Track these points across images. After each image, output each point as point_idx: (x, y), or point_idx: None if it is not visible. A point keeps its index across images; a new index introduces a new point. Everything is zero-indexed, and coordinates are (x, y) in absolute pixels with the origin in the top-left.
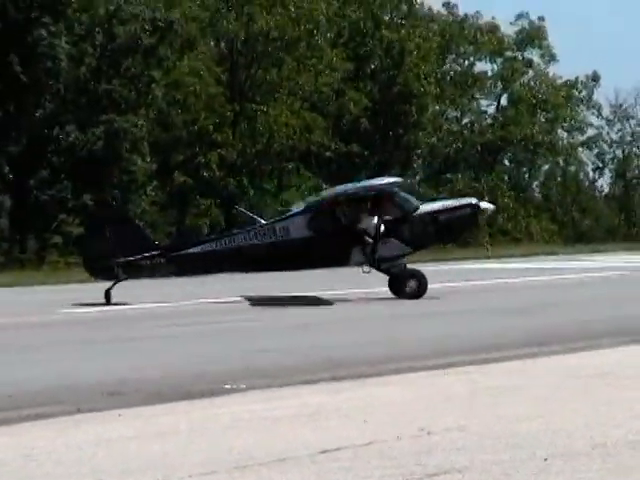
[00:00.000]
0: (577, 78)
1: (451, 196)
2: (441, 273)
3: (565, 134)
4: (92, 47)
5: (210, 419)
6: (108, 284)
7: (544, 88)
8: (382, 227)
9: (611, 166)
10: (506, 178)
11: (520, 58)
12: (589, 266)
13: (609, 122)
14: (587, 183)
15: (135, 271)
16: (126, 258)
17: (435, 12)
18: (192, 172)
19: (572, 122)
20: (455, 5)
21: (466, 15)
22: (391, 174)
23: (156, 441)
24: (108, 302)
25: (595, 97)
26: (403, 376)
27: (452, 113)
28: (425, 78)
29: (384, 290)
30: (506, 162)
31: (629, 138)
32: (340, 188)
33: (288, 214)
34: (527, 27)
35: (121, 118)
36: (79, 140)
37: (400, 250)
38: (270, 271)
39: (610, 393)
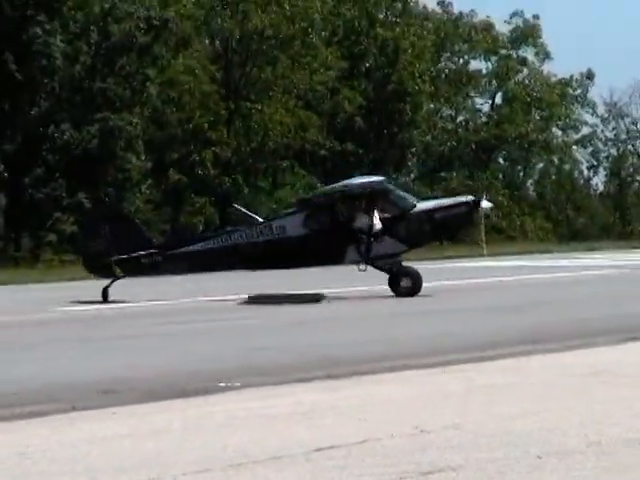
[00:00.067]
0: (572, 76)
1: (445, 194)
2: (437, 271)
3: (560, 132)
4: (87, 45)
5: (205, 417)
6: (105, 282)
7: (539, 86)
8: (378, 225)
9: (606, 164)
10: (501, 176)
11: (515, 56)
12: (584, 264)
13: (604, 120)
14: (582, 181)
15: (133, 269)
16: (123, 256)
17: (430, 10)
18: (187, 170)
19: (567, 120)
20: (450, 3)
21: (461, 13)
22: (386, 172)
23: (150, 439)
24: (105, 300)
25: (590, 95)
26: (399, 374)
27: (447, 111)
28: (420, 76)
29: (380, 288)
30: (501, 160)
31: (624, 136)
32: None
33: (284, 212)
34: (522, 25)
35: (116, 116)
36: (74, 138)
37: (395, 248)
38: (266, 269)
39: (605, 391)
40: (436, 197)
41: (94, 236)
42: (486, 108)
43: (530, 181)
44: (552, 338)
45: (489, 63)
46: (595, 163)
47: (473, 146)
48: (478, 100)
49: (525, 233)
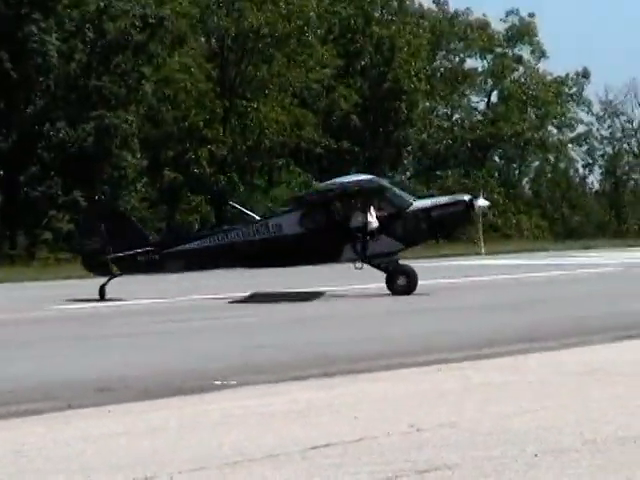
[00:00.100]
0: (567, 75)
1: (441, 192)
2: (433, 269)
3: (555, 130)
4: (82, 43)
5: (201, 415)
6: (101, 280)
7: (534, 84)
8: (375, 223)
9: (601, 162)
10: (496, 174)
11: (510, 55)
12: (580, 262)
13: (599, 119)
14: (577, 179)
15: (129, 267)
16: (120, 254)
17: (425, 9)
18: (182, 168)
19: (562, 119)
20: (445, 2)
21: (456, 12)
22: (381, 170)
23: (146, 437)
24: (102, 298)
25: (585, 94)
26: (395, 372)
27: (442, 110)
28: (415, 74)
29: (376, 286)
30: (496, 158)
31: (619, 134)
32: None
33: (281, 210)
34: (517, 24)
35: (111, 114)
36: (69, 136)
37: (392, 246)
38: (263, 267)
39: (601, 389)
40: (432, 195)
41: (91, 234)
42: (482, 106)
43: (526, 179)
44: (548, 336)
45: (485, 61)
46: (590, 161)
47: (469, 144)
48: (474, 98)
49: (521, 231)
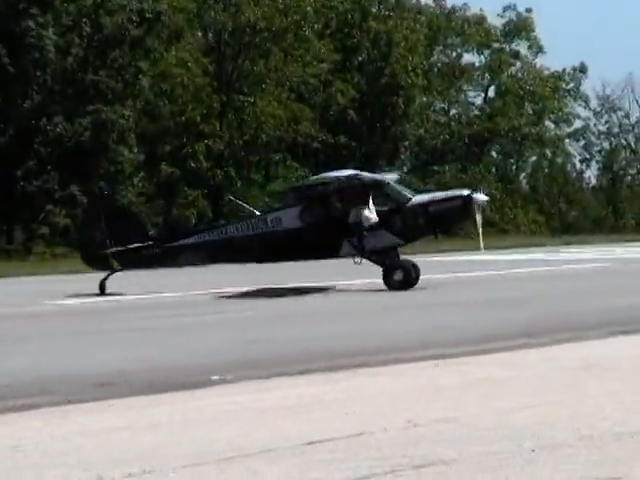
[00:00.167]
0: (564, 70)
1: (438, 188)
2: (432, 265)
3: (552, 126)
4: (79, 38)
5: (197, 411)
6: (98, 274)
7: (531, 80)
8: (374, 218)
9: (598, 158)
10: (493, 169)
11: (507, 50)
12: (577, 257)
13: (596, 114)
14: (574, 175)
15: (130, 261)
16: (121, 248)
17: (423, 4)
18: (179, 163)
19: (559, 114)
20: None
21: (453, 7)
22: (378, 165)
23: (143, 432)
24: (102, 293)
25: (582, 89)
26: (393, 367)
27: (439, 105)
28: (412, 69)
29: (376, 281)
30: (493, 153)
31: (616, 130)
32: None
33: (280, 205)
34: (514, 19)
35: (108, 109)
36: (66, 131)
37: (390, 241)
38: (262, 262)
39: (597, 385)
40: (429, 190)
41: (91, 228)
42: (479, 101)
43: (523, 174)
44: (545, 332)
45: (482, 56)
46: (588, 156)
47: (466, 139)
48: (471, 93)
49: (518, 226)
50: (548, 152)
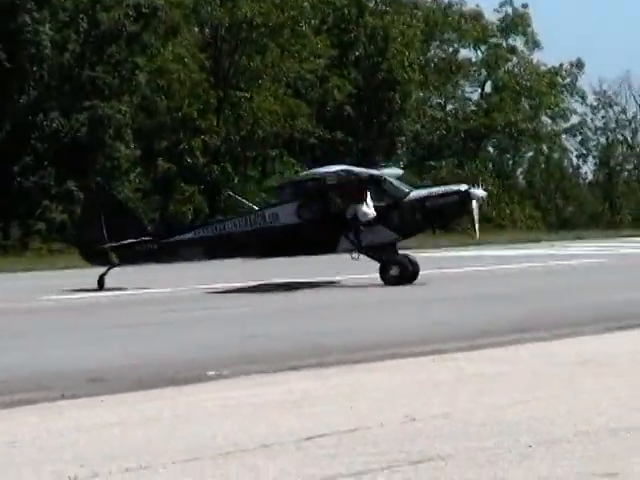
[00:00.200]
0: (561, 65)
1: (434, 183)
2: (428, 260)
3: (549, 121)
4: (76, 33)
5: (194, 405)
6: (94, 270)
7: (528, 75)
8: (372, 214)
9: (595, 153)
10: (490, 165)
11: (504, 45)
12: (573, 253)
13: (593, 109)
14: (571, 170)
15: (127, 257)
16: (119, 243)
17: None
18: (176, 159)
19: (556, 109)
20: None
21: (450, 2)
22: (375, 161)
23: (139, 428)
24: (101, 288)
25: (579, 84)
26: (389, 363)
27: (436, 100)
28: (409, 65)
29: (374, 276)
30: (490, 149)
31: (613, 125)
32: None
33: (278, 201)
34: (511, 14)
35: (105, 104)
36: (63, 126)
37: (387, 237)
38: (260, 257)
39: (593, 380)
40: (427, 186)
41: (89, 223)
42: (475, 97)
43: (519, 170)
44: (541, 327)
45: (478, 52)
46: (584, 152)
47: (462, 135)
48: (467, 89)
49: (514, 222)
50: (545, 148)
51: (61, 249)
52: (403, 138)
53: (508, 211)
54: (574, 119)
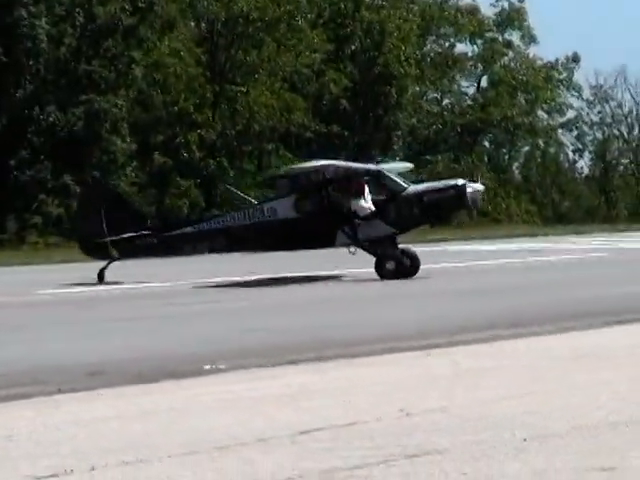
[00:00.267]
0: (557, 59)
1: (431, 177)
2: (425, 254)
3: (545, 115)
4: (72, 27)
5: (191, 399)
6: (91, 264)
7: (524, 69)
8: (370, 208)
9: (591, 148)
10: (486, 159)
11: (500, 40)
12: (570, 247)
13: (589, 104)
14: (567, 165)
15: (128, 250)
16: (119, 237)
17: None
18: (172, 153)
19: (552, 104)
20: None
21: None
22: (371, 155)
23: (137, 421)
24: (101, 281)
25: (575, 79)
26: (387, 357)
27: (432, 94)
28: (405, 59)
29: (369, 271)
30: (486, 143)
31: (609, 120)
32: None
33: (275, 195)
34: (507, 8)
35: (101, 98)
36: (59, 120)
37: (385, 231)
38: (259, 251)
39: (590, 374)
40: (423, 180)
41: (90, 216)
42: (472, 91)
43: (515, 164)
44: (538, 321)
45: (475, 46)
46: (580, 146)
47: (458, 129)
48: (464, 83)
49: (510, 216)
50: (541, 142)
51: (57, 243)
52: (399, 132)
53: (504, 205)
54: (570, 114)
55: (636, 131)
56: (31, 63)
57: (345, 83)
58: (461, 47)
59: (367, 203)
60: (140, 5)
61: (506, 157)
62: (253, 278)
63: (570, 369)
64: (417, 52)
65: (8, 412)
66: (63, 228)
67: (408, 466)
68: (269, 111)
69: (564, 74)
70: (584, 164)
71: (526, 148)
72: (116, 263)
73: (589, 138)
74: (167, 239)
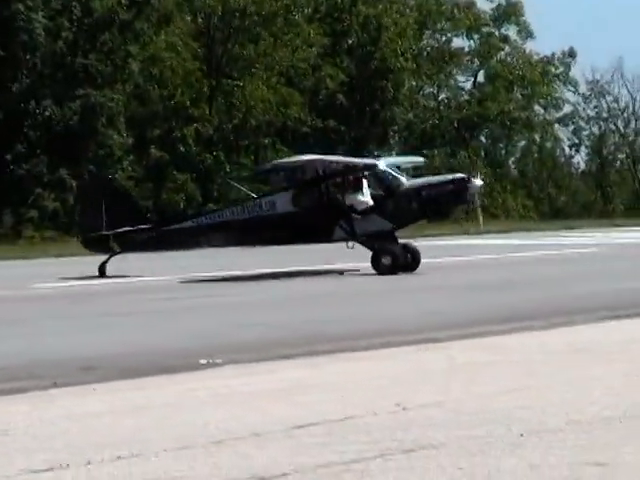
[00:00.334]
0: (554, 54)
1: (427, 172)
2: (424, 249)
3: (541, 110)
4: (69, 21)
5: (186, 394)
6: (87, 258)
7: (521, 64)
8: (369, 202)
9: (587, 143)
10: (482, 154)
11: (497, 34)
12: (566, 242)
13: (585, 98)
14: (563, 159)
15: (128, 244)
16: (119, 231)
17: None
18: (168, 147)
19: (548, 98)
20: None
21: None
22: (367, 150)
23: (131, 416)
24: (102, 275)
25: (572, 74)
26: (382, 351)
27: (429, 89)
28: (402, 54)
29: (367, 265)
30: (482, 138)
31: (605, 115)
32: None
33: (274, 189)
34: (503, 3)
35: (97, 92)
36: (55, 114)
37: (382, 225)
38: (256, 245)
39: (585, 369)
40: (421, 175)
41: (91, 210)
42: (468, 86)
43: (512, 159)
44: (533, 316)
45: (471, 41)
46: (577, 141)
47: (455, 124)
48: (460, 78)
49: (507, 211)
50: (537, 137)
51: (53, 237)
52: (396, 127)
53: (500, 200)
54: (566, 108)
55: (632, 126)
56: (28, 57)
57: (342, 78)
58: (458, 42)
59: (365, 197)
60: None
61: (502, 152)
62: (252, 272)
63: (565, 364)
64: (414, 47)
65: (4, 406)
66: (59, 222)
67: (404, 461)
68: (266, 105)
69: (560, 69)
70: (580, 159)
71: (522, 143)
72: (114, 257)
73: (585, 133)
74: (166, 233)
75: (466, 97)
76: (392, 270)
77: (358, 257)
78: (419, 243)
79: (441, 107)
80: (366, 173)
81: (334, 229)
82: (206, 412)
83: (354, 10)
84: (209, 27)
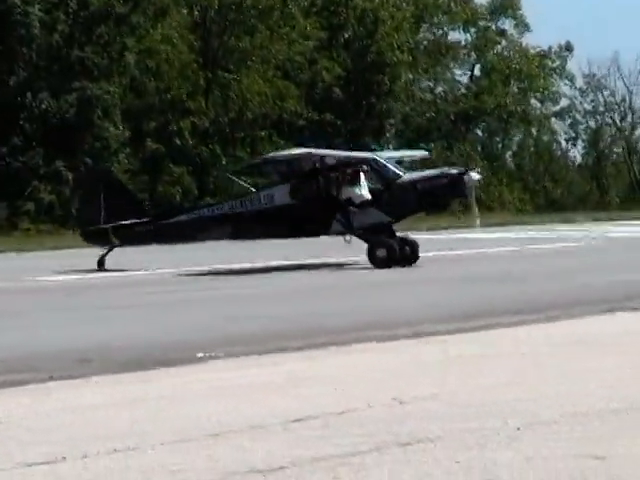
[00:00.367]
0: (550, 48)
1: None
2: (421, 242)
3: (538, 104)
4: (65, 14)
5: (182, 387)
6: (83, 251)
7: (517, 58)
8: (366, 195)
9: (584, 136)
10: (479, 147)
11: (493, 28)
12: (563, 235)
13: (582, 92)
14: (560, 153)
15: (124, 237)
16: (118, 224)
17: None
18: (164, 140)
19: (545, 92)
20: None
21: None
22: (364, 143)
23: (128, 409)
24: (101, 268)
25: (568, 67)
26: (378, 344)
27: (425, 82)
28: (398, 47)
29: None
30: (479, 131)
31: (602, 108)
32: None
33: (272, 183)
34: None
35: (94, 85)
36: (52, 107)
37: (379, 218)
38: (255, 239)
39: (581, 362)
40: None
41: (91, 203)
42: (465, 79)
43: (508, 152)
44: (529, 309)
45: (468, 34)
46: (573, 135)
47: (452, 117)
48: (457, 71)
49: (503, 204)
50: (534, 130)
51: (49, 229)
52: (392, 120)
53: (497, 193)
54: (563, 102)
55: (629, 119)
56: (24, 50)
57: (338, 71)
58: (454, 35)
59: (362, 191)
60: None
61: (499, 145)
62: (250, 265)
63: (561, 357)
64: (410, 40)
65: (1, 399)
66: (55, 215)
67: (401, 454)
68: (262, 98)
69: (557, 62)
70: (577, 152)
71: (519, 136)
72: (115, 250)
73: (582, 126)
74: (165, 227)
75: (463, 90)
76: (388, 263)
77: (358, 250)
78: (419, 236)
79: (438, 100)
80: (364, 167)
81: (332, 222)
82: (203, 405)
83: (350, 3)
84: (205, 20)
